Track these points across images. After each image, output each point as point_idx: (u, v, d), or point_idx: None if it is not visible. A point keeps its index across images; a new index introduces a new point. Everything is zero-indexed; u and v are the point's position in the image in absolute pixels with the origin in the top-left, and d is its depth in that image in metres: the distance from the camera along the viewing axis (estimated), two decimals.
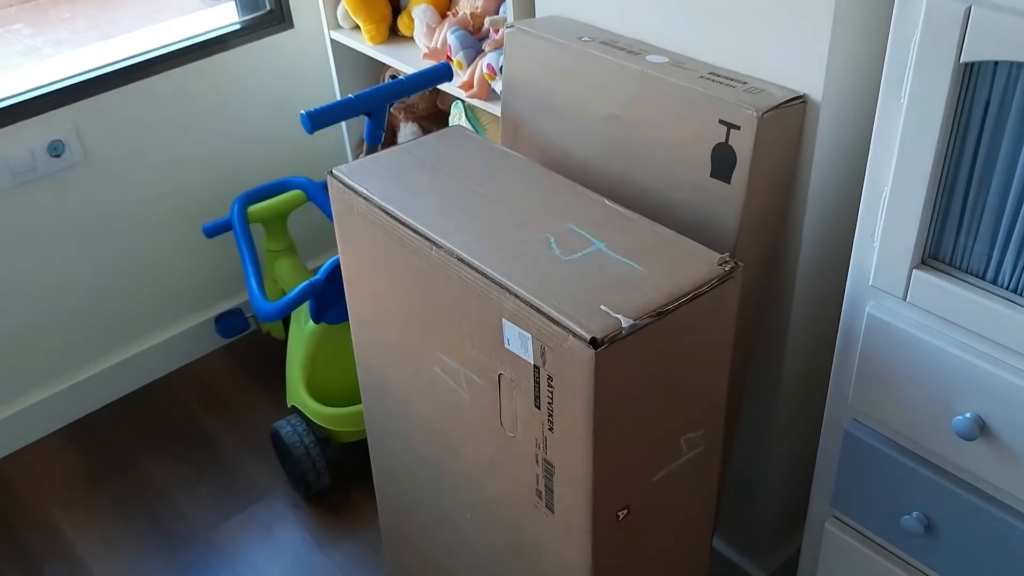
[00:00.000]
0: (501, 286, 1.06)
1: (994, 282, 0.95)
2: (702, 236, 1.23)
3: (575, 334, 0.98)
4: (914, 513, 1.10)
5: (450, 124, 1.88)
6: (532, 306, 1.02)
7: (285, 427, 1.82)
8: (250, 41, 2.06)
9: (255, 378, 2.16)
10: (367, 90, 1.50)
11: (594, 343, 0.96)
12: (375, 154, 1.32)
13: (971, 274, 0.96)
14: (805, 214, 1.23)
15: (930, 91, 0.89)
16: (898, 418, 1.07)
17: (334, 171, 1.27)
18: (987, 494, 1.03)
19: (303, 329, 1.86)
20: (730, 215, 1.20)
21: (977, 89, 0.87)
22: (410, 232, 1.17)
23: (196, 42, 2.01)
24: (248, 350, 2.24)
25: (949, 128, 0.90)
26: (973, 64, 0.86)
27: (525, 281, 1.05)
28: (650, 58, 1.28)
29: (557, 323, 1.00)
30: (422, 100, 2.02)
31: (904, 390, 1.05)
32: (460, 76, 1.69)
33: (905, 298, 1.00)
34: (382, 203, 1.20)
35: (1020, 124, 0.86)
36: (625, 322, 0.99)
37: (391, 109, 2.08)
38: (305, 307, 1.84)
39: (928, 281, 0.97)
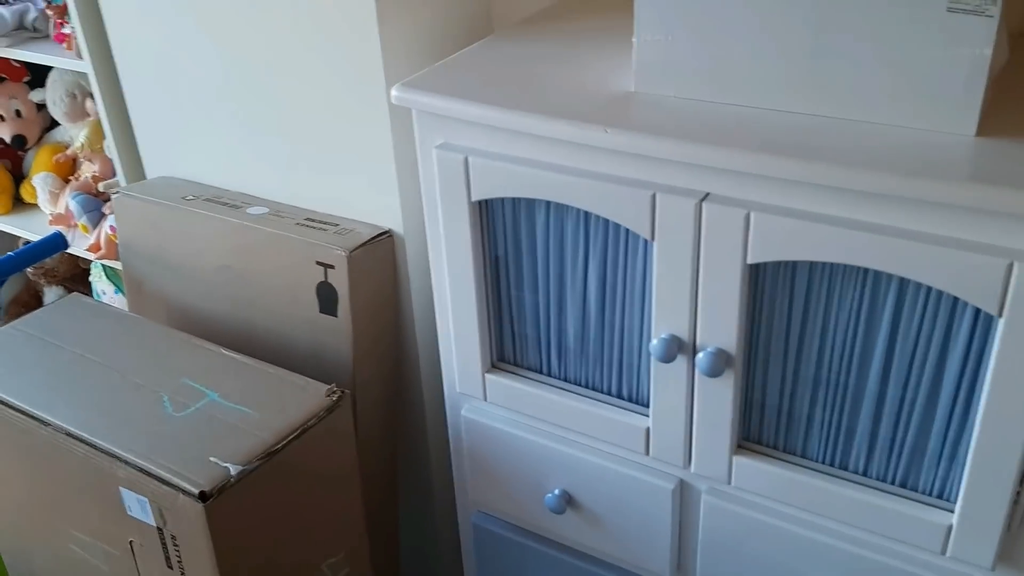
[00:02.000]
0: (112, 455, 1.08)
1: (548, 374, 1.11)
2: (323, 367, 1.32)
3: (184, 491, 1.02)
4: None
5: (93, 286, 1.86)
6: (142, 470, 1.05)
7: None
8: None
9: None
10: None
11: (203, 496, 1.01)
12: None
13: (530, 370, 1.12)
14: (414, 332, 1.36)
15: (457, 224, 1.04)
16: (508, 503, 1.21)
17: None
18: (587, 555, 1.18)
19: None
20: (343, 344, 1.30)
21: (495, 220, 1.04)
22: (16, 413, 1.15)
23: None
24: None
25: (480, 255, 1.05)
26: (483, 201, 1.02)
27: (135, 446, 1.08)
28: (251, 210, 1.37)
29: (167, 483, 1.03)
30: (62, 263, 1.98)
31: (507, 478, 1.18)
32: (88, 239, 1.69)
33: (485, 399, 1.14)
34: None
35: (531, 247, 1.03)
36: (234, 470, 1.04)
37: (31, 276, 2.02)
38: None
39: (498, 383, 1.12)
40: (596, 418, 1.06)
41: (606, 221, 0.96)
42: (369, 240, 1.28)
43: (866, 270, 0.84)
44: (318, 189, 1.34)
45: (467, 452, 1.21)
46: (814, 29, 0.83)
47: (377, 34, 1.15)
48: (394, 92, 1.01)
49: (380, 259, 1.30)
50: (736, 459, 0.98)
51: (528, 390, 1.10)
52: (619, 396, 1.07)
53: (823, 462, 0.95)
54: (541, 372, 1.12)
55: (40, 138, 1.89)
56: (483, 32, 1.31)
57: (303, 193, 1.36)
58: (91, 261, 1.88)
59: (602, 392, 1.07)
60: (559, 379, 1.10)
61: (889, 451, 0.91)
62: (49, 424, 1.12)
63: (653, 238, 0.91)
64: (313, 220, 1.33)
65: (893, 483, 0.92)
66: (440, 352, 1.18)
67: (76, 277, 2.02)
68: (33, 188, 1.81)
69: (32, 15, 1.56)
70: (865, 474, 0.93)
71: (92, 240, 1.68)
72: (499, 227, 1.04)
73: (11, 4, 1.56)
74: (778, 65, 0.86)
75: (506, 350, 1.13)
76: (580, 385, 1.09)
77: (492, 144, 0.99)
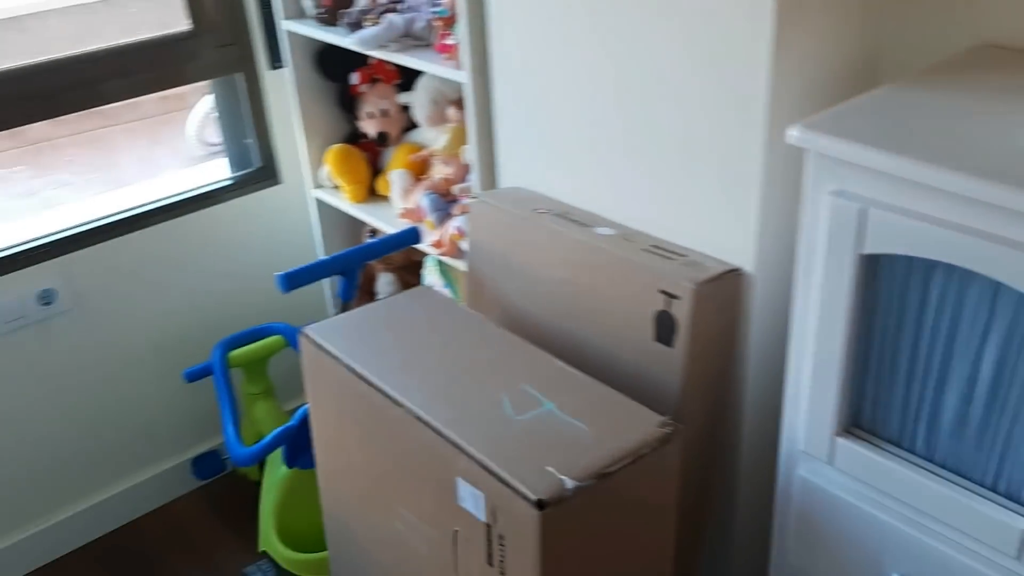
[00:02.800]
0: (456, 445, 1.13)
1: (911, 451, 1.02)
2: (648, 395, 1.31)
3: (522, 495, 1.04)
4: None
5: (423, 276, 1.99)
6: (484, 466, 1.09)
7: (255, 573, 1.84)
8: (240, 195, 2.19)
9: (229, 521, 2.19)
10: (341, 252, 1.61)
11: (540, 504, 1.03)
12: (346, 313, 1.41)
13: (889, 442, 1.04)
14: (748, 375, 1.32)
15: (837, 278, 0.98)
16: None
17: (306, 330, 1.35)
18: None
19: (276, 473, 1.90)
20: (673, 377, 1.28)
21: (879, 276, 0.97)
22: (373, 390, 1.24)
23: (189, 196, 2.13)
24: (223, 492, 2.27)
25: (857, 310, 0.99)
26: (871, 255, 0.96)
27: (478, 441, 1.12)
28: (599, 230, 1.39)
29: (507, 484, 1.06)
30: (398, 252, 2.13)
31: (838, 550, 1.11)
32: (432, 235, 1.81)
33: (832, 463, 1.07)
34: (348, 361, 1.28)
35: (919, 312, 0.95)
36: (570, 484, 1.05)
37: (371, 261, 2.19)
38: (279, 451, 1.89)
39: (851, 448, 1.05)
40: (963, 508, 0.96)
41: (1020, 295, 0.87)
42: (718, 275, 1.25)
43: None
44: (670, 217, 1.34)
45: (796, 514, 1.15)
46: None
47: (767, 71, 1.12)
48: (794, 132, 0.98)
49: (726, 296, 1.27)
50: None
51: (885, 463, 1.02)
52: (994, 489, 0.96)
53: None
54: (902, 446, 1.03)
55: (399, 137, 2.05)
56: (866, 83, 1.25)
57: (653, 219, 1.36)
58: (425, 254, 2.00)
59: (974, 481, 0.97)
60: (923, 457, 1.01)
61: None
62: (402, 406, 1.20)
63: None
64: (660, 248, 1.33)
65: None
66: (784, 403, 1.13)
67: (408, 267, 2.16)
68: (387, 182, 1.96)
69: (419, 24, 1.69)
70: None
71: (436, 237, 1.79)
72: (884, 284, 0.98)
73: (403, 13, 1.70)
74: None
75: (864, 415, 1.06)
76: (947, 469, 0.99)
77: (894, 196, 0.92)
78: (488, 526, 1.11)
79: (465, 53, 1.54)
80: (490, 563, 1.13)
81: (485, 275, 1.56)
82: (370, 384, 1.25)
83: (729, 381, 1.34)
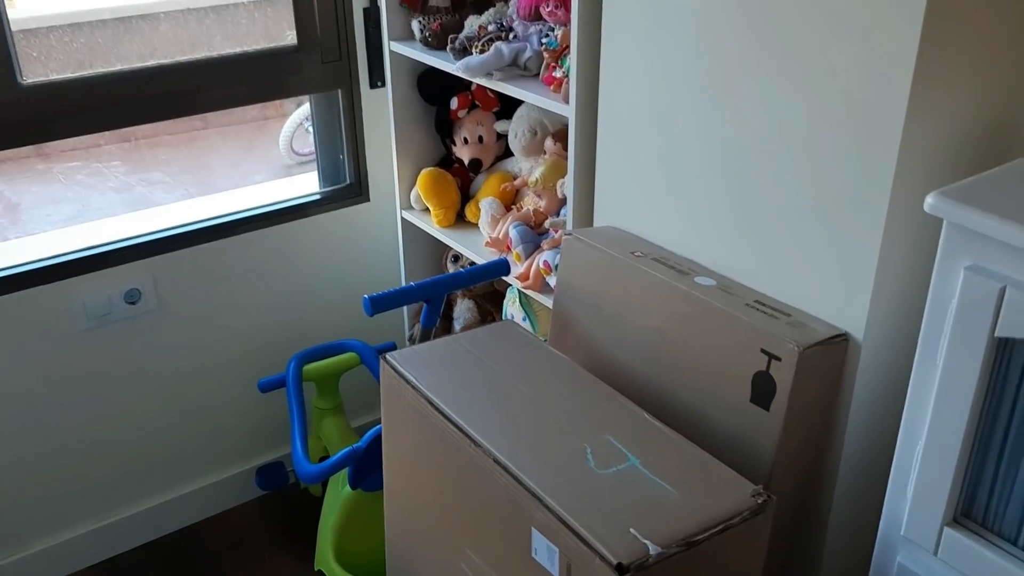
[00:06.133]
0: (533, 495, 1.08)
1: None
2: (739, 459, 1.24)
3: (602, 557, 0.99)
4: None
5: (504, 308, 1.95)
6: (562, 520, 1.04)
7: None
8: (328, 211, 2.19)
9: (287, 534, 2.17)
10: (428, 280, 1.58)
11: (620, 569, 0.97)
12: (428, 342, 1.38)
13: (1003, 538, 0.96)
14: (843, 448, 1.24)
15: (965, 360, 0.91)
16: None
17: (387, 356, 1.33)
18: None
19: (340, 493, 1.88)
20: (768, 442, 1.22)
21: (1012, 361, 0.90)
22: (451, 426, 1.20)
23: (278, 208, 2.14)
24: (284, 504, 2.26)
25: (983, 396, 0.92)
26: (1006, 339, 0.89)
27: (557, 493, 1.07)
28: (698, 279, 1.33)
29: (585, 542, 1.01)
30: None
31: None
32: (518, 267, 1.77)
33: (936, 553, 1.00)
34: (427, 393, 1.25)
35: None
36: (653, 549, 0.99)
37: None
38: (345, 470, 1.87)
39: (959, 540, 0.97)
40: None
41: None
42: (825, 339, 1.18)
43: None
44: (775, 273, 1.28)
45: None
46: None
47: (900, 132, 1.06)
48: (929, 200, 0.92)
49: (830, 362, 1.20)
50: None
51: (997, 561, 0.94)
52: None
53: None
54: (1017, 544, 0.95)
55: (492, 165, 2.02)
56: (1003, 152, 1.17)
57: (755, 273, 1.30)
58: (508, 285, 1.97)
59: None
60: None
61: None
62: (480, 446, 1.16)
63: None
64: (763, 304, 1.27)
65: None
66: (890, 484, 1.05)
67: (487, 295, 2.13)
68: (477, 209, 1.94)
69: (527, 55, 1.66)
70: None
71: (522, 269, 1.75)
72: (1015, 370, 0.90)
73: (511, 42, 1.68)
74: None
75: (977, 505, 0.98)
76: None
77: None
78: None
79: (573, 87, 1.51)
80: None
81: (572, 315, 1.51)
82: (449, 420, 1.21)
83: (824, 452, 1.26)
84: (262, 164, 4.34)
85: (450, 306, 2.18)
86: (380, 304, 1.48)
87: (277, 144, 4.31)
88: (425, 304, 1.60)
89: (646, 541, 1.00)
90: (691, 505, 1.06)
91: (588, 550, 1.00)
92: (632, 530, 1.02)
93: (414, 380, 1.28)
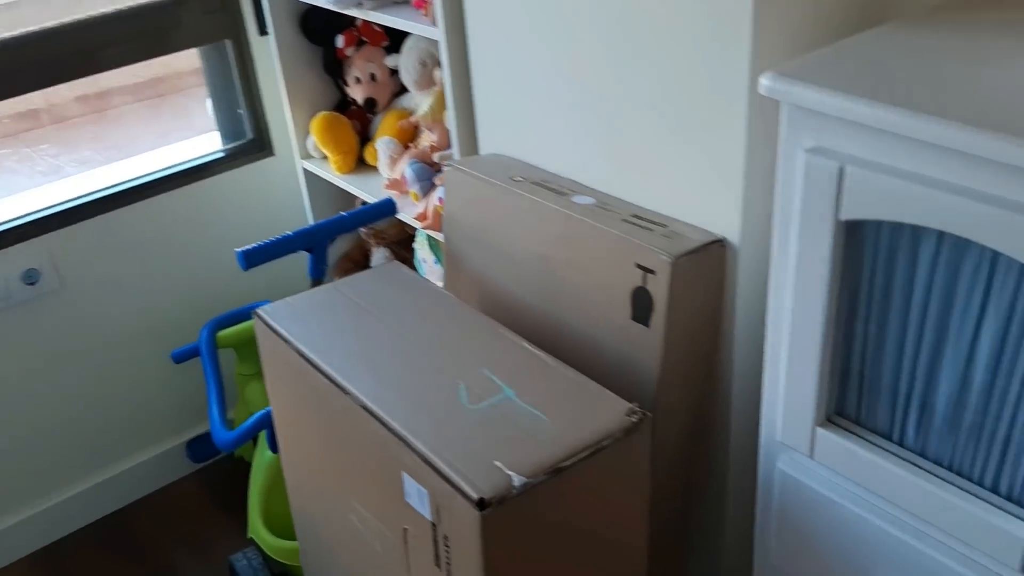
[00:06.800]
0: (401, 439, 1.03)
1: (900, 444, 0.89)
2: (626, 379, 1.19)
3: (463, 493, 0.94)
4: None
5: (415, 250, 1.89)
6: (427, 462, 0.99)
7: (241, 560, 1.77)
8: (231, 169, 2.11)
9: (224, 505, 2.13)
10: (305, 227, 1.51)
11: (481, 504, 0.92)
12: (305, 292, 1.32)
13: (877, 434, 0.91)
14: (735, 358, 1.19)
15: (815, 249, 0.86)
16: None
17: (258, 311, 1.26)
18: None
19: (262, 458, 1.83)
20: (651, 359, 1.16)
21: (864, 246, 0.84)
22: (322, 377, 1.15)
23: (177, 171, 2.06)
24: (221, 475, 2.21)
25: (838, 285, 0.87)
26: (853, 222, 0.83)
27: (425, 434, 1.02)
28: (577, 199, 1.27)
29: (448, 480, 0.96)
30: (392, 226, 2.03)
31: (821, 551, 0.99)
32: (416, 207, 1.70)
33: (812, 455, 0.95)
34: (298, 345, 1.19)
35: (908, 286, 0.82)
36: (517, 480, 0.95)
37: (363, 235, 2.10)
38: (265, 434, 1.82)
39: (832, 440, 0.93)
40: (959, 512, 0.83)
41: (1022, 267, 0.73)
42: (698, 247, 1.12)
43: None
44: (651, 184, 1.21)
45: (776, 511, 1.03)
46: None
47: (751, 9, 0.98)
48: (763, 81, 0.85)
49: (707, 270, 1.15)
50: None
51: (870, 458, 0.90)
52: (994, 491, 0.83)
53: None
54: (890, 439, 0.90)
55: (389, 103, 1.94)
56: (874, 22, 1.10)
57: (634, 186, 1.24)
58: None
59: (972, 481, 0.84)
60: (914, 452, 0.88)
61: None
62: (349, 394, 1.10)
63: None
64: (640, 217, 1.21)
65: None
66: (763, 389, 1.01)
67: (403, 241, 2.06)
68: (376, 151, 1.86)
69: None
70: None
71: (420, 209, 1.69)
72: (868, 254, 0.85)
73: None
74: None
75: (847, 402, 0.93)
76: (942, 466, 0.86)
77: (879, 154, 0.79)
78: (434, 525, 1.01)
79: (439, 8, 1.42)
80: (437, 564, 1.04)
81: (462, 250, 1.45)
82: (318, 370, 1.16)
83: (715, 366, 1.21)
84: (193, 132, 4.22)
85: (366, 256, 2.11)
86: (254, 257, 1.41)
87: (207, 110, 4.19)
88: (309, 254, 1.53)
89: (511, 472, 0.95)
90: (562, 432, 1.01)
91: (451, 488, 0.95)
92: (497, 462, 0.97)
93: (284, 333, 1.22)
